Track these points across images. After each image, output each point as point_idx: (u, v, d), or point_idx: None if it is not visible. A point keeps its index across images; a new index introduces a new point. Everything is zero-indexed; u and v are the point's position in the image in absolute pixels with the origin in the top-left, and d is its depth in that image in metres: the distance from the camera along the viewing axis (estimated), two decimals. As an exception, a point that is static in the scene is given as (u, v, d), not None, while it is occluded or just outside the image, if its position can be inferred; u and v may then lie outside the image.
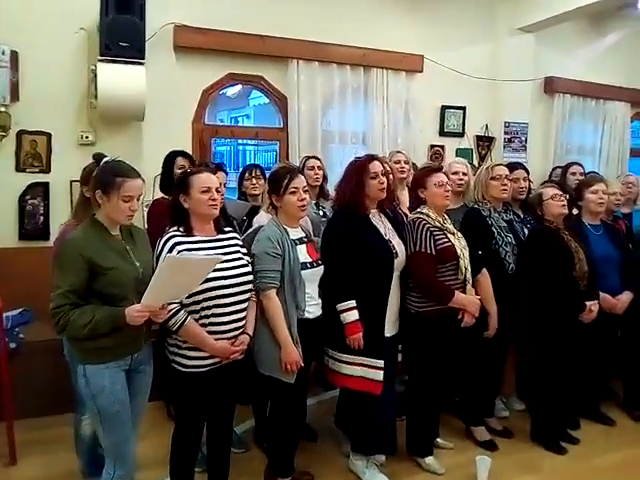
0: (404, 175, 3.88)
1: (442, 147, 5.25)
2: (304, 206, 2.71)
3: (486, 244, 3.22)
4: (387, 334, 2.90)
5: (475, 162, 5.38)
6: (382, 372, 2.81)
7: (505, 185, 3.32)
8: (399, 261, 2.92)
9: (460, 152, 5.31)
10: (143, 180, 2.24)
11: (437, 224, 3.01)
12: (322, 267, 2.81)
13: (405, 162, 3.97)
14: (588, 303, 3.26)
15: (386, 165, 3.52)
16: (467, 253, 3.04)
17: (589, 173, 5.08)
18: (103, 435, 2.16)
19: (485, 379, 3.41)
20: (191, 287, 2.21)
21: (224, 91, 5.02)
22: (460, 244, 3.03)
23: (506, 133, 5.40)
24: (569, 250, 3.24)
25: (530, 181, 3.98)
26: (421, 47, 4.99)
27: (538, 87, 5.66)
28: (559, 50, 5.70)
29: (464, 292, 3.01)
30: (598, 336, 3.44)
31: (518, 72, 5.34)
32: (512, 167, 3.82)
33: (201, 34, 4.28)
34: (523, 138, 5.48)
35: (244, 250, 2.60)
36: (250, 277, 2.52)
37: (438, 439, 3.30)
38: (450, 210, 3.63)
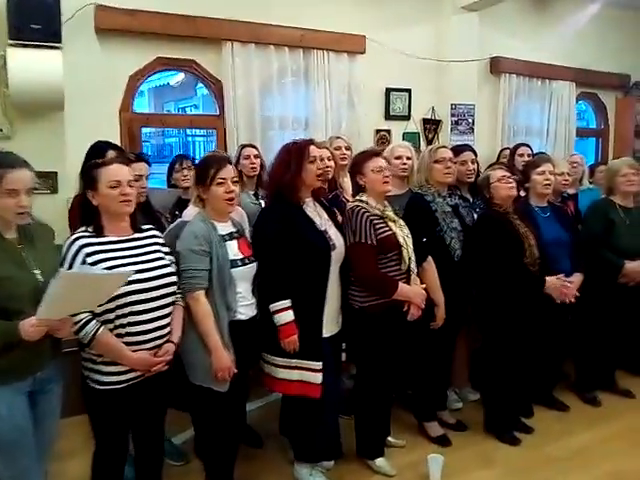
0: (345, 162, 3.70)
1: (388, 131, 5.08)
2: (232, 199, 2.48)
3: (430, 231, 3.06)
4: (326, 333, 2.72)
5: (423, 146, 5.22)
6: (320, 374, 2.63)
7: (449, 168, 3.16)
8: (337, 253, 2.73)
9: (407, 136, 5.15)
10: (33, 171, 1.96)
11: (377, 212, 2.84)
12: (255, 264, 2.59)
13: (346, 148, 3.80)
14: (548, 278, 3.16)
15: (326, 151, 3.38)
16: (410, 241, 2.87)
17: (537, 154, 5.04)
18: (1, 466, 1.90)
19: (435, 371, 3.27)
20: (97, 301, 1.96)
21: (167, 81, 4.70)
22: (402, 232, 2.86)
23: (453, 115, 5.26)
24: (519, 235, 3.12)
25: (478, 163, 3.86)
26: (363, 27, 4.79)
27: (484, 68, 5.54)
28: (504, 29, 5.59)
29: (408, 283, 2.85)
30: (550, 321, 3.35)
31: (463, 52, 5.20)
32: (459, 149, 3.70)
33: (125, 15, 3.96)
34: (470, 120, 5.35)
35: (166, 249, 2.36)
36: (173, 278, 2.29)
37: (389, 437, 3.15)
38: (395, 196, 3.47)
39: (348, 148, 3.81)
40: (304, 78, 4.63)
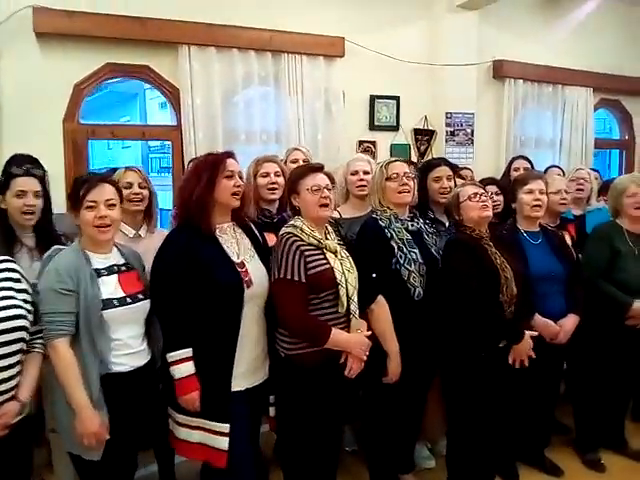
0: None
1: (373, 143, 4.56)
2: (104, 225, 2.01)
3: (383, 263, 2.52)
4: (242, 386, 2.22)
5: (414, 158, 4.69)
6: (226, 439, 2.13)
7: (405, 186, 2.61)
8: (255, 291, 2.23)
9: (395, 148, 4.63)
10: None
11: (313, 241, 2.32)
12: (146, 302, 2.12)
13: (304, 161, 3.31)
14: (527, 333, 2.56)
15: (274, 165, 2.92)
16: (353, 277, 2.35)
17: (550, 167, 4.46)
18: None
19: (393, 431, 2.70)
20: None
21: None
22: (343, 266, 2.33)
23: (448, 125, 4.71)
24: (493, 267, 2.54)
25: (457, 179, 3.31)
26: (341, 28, 4.30)
27: (486, 72, 4.97)
28: (509, 29, 5.02)
29: (348, 329, 2.32)
30: (538, 373, 2.75)
31: (461, 55, 4.66)
32: (434, 164, 3.16)
33: (68, 18, 3.59)
34: (469, 130, 4.79)
35: (22, 285, 1.91)
36: (21, 322, 1.85)
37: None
38: (354, 219, 2.98)
39: (306, 161, 3.33)
40: (274, 85, 4.17)
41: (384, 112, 4.56)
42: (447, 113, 4.69)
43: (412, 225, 2.63)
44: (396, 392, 2.56)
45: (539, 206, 2.85)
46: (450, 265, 2.57)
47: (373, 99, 4.52)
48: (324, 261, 2.30)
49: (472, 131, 4.80)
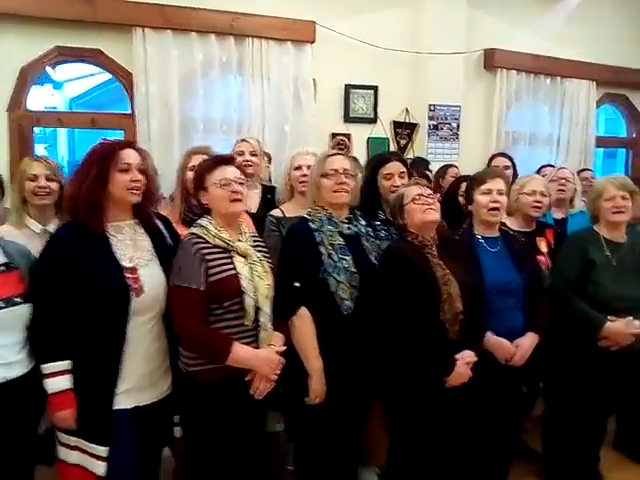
0: (249, 170, 2.93)
1: (348, 136, 4.24)
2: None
3: (309, 271, 2.21)
4: (126, 405, 1.95)
5: (393, 154, 4.35)
6: (103, 464, 1.88)
7: (342, 185, 2.30)
8: (146, 300, 1.96)
9: (373, 142, 4.30)
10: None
11: (220, 242, 2.04)
12: (24, 306, 1.88)
13: (252, 153, 3.03)
14: (460, 356, 2.23)
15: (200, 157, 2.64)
16: (265, 284, 2.06)
17: (544, 166, 4.11)
18: None
19: (327, 454, 2.39)
20: None
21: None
22: (253, 272, 2.05)
23: (431, 118, 4.36)
24: (433, 280, 2.22)
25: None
26: (312, 11, 3.99)
27: (475, 62, 4.61)
28: (502, 15, 4.64)
29: (256, 343, 2.04)
30: (493, 398, 2.42)
31: (447, 43, 4.30)
32: (384, 159, 2.83)
33: (11, -4, 3.36)
34: (454, 124, 4.43)
35: None
36: None
37: None
38: (298, 218, 2.69)
39: (255, 154, 3.04)
40: (237, 72, 3.88)
41: (360, 103, 4.24)
42: (430, 105, 4.34)
43: (349, 228, 2.32)
44: (325, 414, 2.26)
45: (496, 209, 2.50)
46: (383, 278, 2.25)
47: (348, 89, 4.20)
48: (229, 266, 2.03)
49: (458, 125, 4.45)
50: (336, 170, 2.30)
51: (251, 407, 2.06)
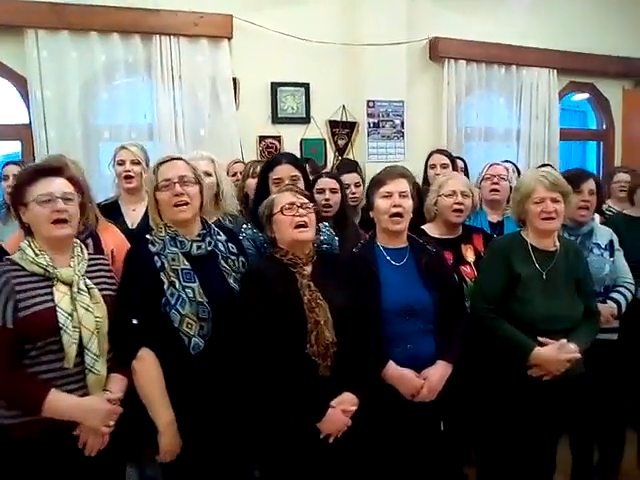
0: (131, 185, 2.58)
1: (278, 138, 3.86)
2: None
3: (147, 305, 1.82)
4: None
5: (331, 155, 3.98)
6: None
7: (180, 197, 1.87)
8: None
9: (307, 144, 3.93)
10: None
11: (37, 269, 1.68)
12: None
13: (134, 162, 2.67)
14: (336, 402, 1.84)
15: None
16: (93, 318, 1.72)
17: (503, 162, 3.71)
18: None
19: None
20: None
21: None
22: (78, 304, 1.73)
23: (371, 116, 3.98)
24: (298, 306, 1.83)
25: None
26: (228, 4, 3.63)
27: (420, 53, 4.22)
28: (449, 2, 4.25)
29: (85, 390, 1.67)
30: (397, 445, 2.04)
31: (386, 33, 3.92)
32: (274, 162, 2.43)
33: None
34: (398, 121, 4.05)
35: None
36: None
37: None
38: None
39: (137, 162, 2.67)
40: (145, 73, 3.53)
41: (290, 102, 3.86)
42: (369, 101, 3.96)
43: (200, 248, 1.92)
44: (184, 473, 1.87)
45: (399, 215, 2.11)
46: (240, 305, 1.86)
47: (275, 87, 3.83)
48: (45, 297, 1.66)
49: (402, 122, 4.06)
50: (169, 180, 1.90)
51: (88, 464, 1.68)
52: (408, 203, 2.14)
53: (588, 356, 2.36)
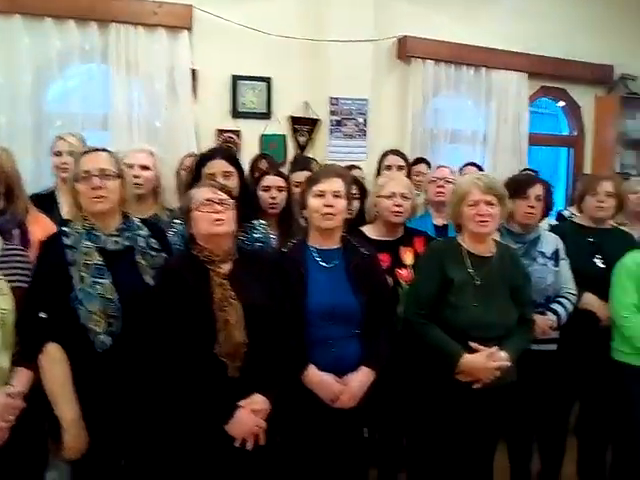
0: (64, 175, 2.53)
1: (237, 133, 3.80)
2: None
3: (56, 299, 1.77)
4: None
5: (291, 151, 3.93)
6: None
7: (97, 190, 1.83)
8: None
9: (267, 139, 3.87)
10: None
11: None
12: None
13: (71, 153, 2.60)
14: (245, 403, 1.80)
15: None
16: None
17: (468, 165, 3.71)
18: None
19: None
20: None
21: None
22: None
23: (334, 113, 3.92)
24: (208, 305, 1.78)
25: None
26: (188, -7, 3.57)
27: (387, 51, 4.17)
28: (419, 1, 4.19)
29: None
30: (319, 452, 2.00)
31: (353, 29, 3.86)
32: (207, 157, 2.36)
33: None
34: (361, 120, 4.00)
35: None
36: None
37: None
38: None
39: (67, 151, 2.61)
40: (101, 62, 3.46)
41: (250, 96, 3.80)
42: (332, 99, 3.91)
43: (116, 242, 1.87)
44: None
45: (331, 214, 2.06)
46: (151, 302, 1.81)
47: (236, 80, 3.76)
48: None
49: (365, 121, 4.01)
50: (88, 172, 1.84)
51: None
52: (341, 204, 2.09)
53: (527, 365, 2.36)
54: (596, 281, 2.63)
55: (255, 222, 2.38)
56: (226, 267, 1.89)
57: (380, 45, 4.06)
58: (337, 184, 2.09)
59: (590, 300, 2.62)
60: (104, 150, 1.92)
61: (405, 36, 4.13)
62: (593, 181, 2.71)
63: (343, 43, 3.85)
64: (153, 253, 1.93)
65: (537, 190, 2.54)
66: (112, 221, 1.90)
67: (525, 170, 4.03)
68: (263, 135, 3.86)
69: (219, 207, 1.85)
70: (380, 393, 2.11)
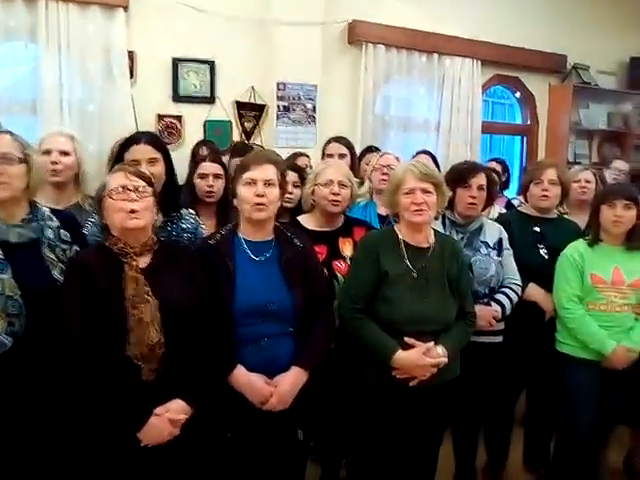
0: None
1: (179, 118, 3.62)
2: None
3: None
4: None
5: (237, 138, 3.77)
6: None
7: None
8: None
9: (210, 125, 3.70)
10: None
11: None
12: None
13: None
14: (160, 410, 1.67)
15: None
16: None
17: (420, 152, 3.63)
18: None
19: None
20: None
21: None
22: None
23: (281, 99, 3.78)
24: (118, 301, 1.64)
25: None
26: (123, -31, 3.36)
27: (338, 35, 4.04)
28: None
29: None
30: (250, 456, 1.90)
31: (302, 11, 3.72)
32: (130, 140, 2.21)
33: None
34: (310, 106, 3.86)
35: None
36: None
37: None
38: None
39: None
40: (29, 41, 3.23)
41: (193, 79, 3.62)
42: (279, 84, 3.76)
43: (20, 234, 1.71)
44: None
45: (261, 205, 1.93)
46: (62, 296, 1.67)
47: (176, 63, 3.58)
48: None
49: (314, 107, 3.88)
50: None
51: None
52: (274, 193, 1.96)
53: (473, 358, 2.30)
54: (541, 271, 2.58)
55: (184, 211, 2.25)
56: (144, 260, 1.75)
57: (330, 29, 3.93)
58: (269, 171, 1.97)
59: (534, 292, 2.57)
60: (7, 132, 1.75)
61: (355, 20, 4.00)
62: (537, 169, 2.65)
63: (291, 26, 3.70)
64: (64, 246, 1.78)
65: (479, 179, 2.46)
66: (17, 211, 1.74)
67: (493, 159, 3.99)
68: (207, 121, 3.69)
69: (134, 195, 1.71)
70: (316, 392, 2.01)
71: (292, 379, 1.89)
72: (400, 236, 2.13)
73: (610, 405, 2.45)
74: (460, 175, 2.46)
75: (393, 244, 2.12)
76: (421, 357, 2.00)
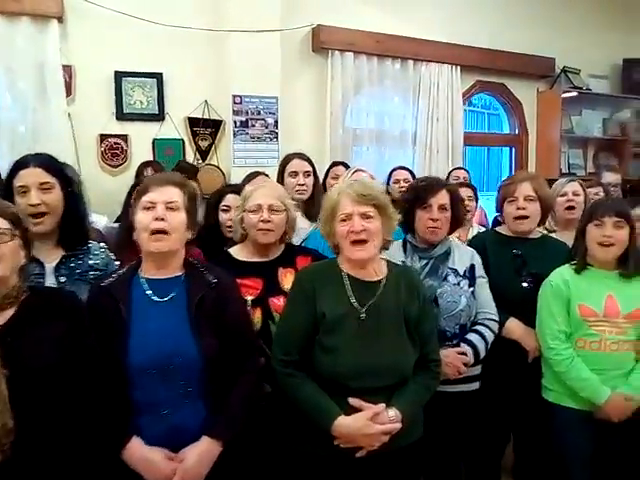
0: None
1: (124, 137, 3.29)
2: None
3: None
4: None
5: (191, 158, 3.44)
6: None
7: None
8: None
9: (161, 144, 3.37)
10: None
11: None
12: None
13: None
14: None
15: None
16: None
17: (397, 169, 3.31)
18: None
19: None
20: None
21: None
22: None
23: (237, 113, 3.45)
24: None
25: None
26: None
27: (301, 42, 3.73)
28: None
29: None
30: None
31: (258, 18, 3.41)
32: (19, 165, 1.86)
33: None
34: (271, 120, 3.53)
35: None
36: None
37: None
38: None
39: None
40: (-51, 55, 2.93)
41: (138, 95, 3.30)
42: (235, 96, 3.43)
43: None
44: None
45: (161, 232, 1.57)
46: None
47: (120, 77, 3.26)
48: None
49: (276, 121, 3.54)
50: None
51: None
52: (178, 218, 1.61)
53: (445, 410, 1.93)
54: (522, 304, 2.19)
55: (93, 245, 1.90)
56: (3, 317, 1.39)
57: (290, 35, 3.61)
58: (171, 193, 1.62)
59: (514, 328, 2.18)
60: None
61: (320, 25, 3.68)
62: (509, 184, 2.26)
63: (246, 33, 3.38)
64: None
65: (441, 199, 2.08)
66: None
67: (455, 169, 3.62)
68: (156, 140, 3.36)
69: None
70: (236, 467, 1.63)
71: (201, 452, 1.52)
72: (343, 269, 1.76)
73: (608, 461, 2.06)
74: (417, 194, 2.09)
75: (335, 279, 1.75)
76: (367, 424, 1.61)
